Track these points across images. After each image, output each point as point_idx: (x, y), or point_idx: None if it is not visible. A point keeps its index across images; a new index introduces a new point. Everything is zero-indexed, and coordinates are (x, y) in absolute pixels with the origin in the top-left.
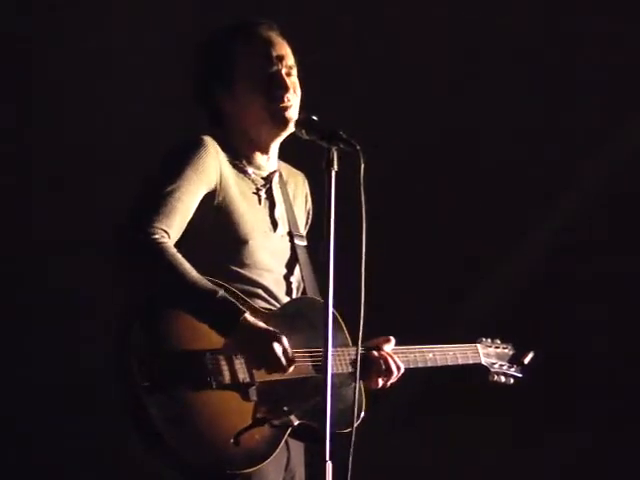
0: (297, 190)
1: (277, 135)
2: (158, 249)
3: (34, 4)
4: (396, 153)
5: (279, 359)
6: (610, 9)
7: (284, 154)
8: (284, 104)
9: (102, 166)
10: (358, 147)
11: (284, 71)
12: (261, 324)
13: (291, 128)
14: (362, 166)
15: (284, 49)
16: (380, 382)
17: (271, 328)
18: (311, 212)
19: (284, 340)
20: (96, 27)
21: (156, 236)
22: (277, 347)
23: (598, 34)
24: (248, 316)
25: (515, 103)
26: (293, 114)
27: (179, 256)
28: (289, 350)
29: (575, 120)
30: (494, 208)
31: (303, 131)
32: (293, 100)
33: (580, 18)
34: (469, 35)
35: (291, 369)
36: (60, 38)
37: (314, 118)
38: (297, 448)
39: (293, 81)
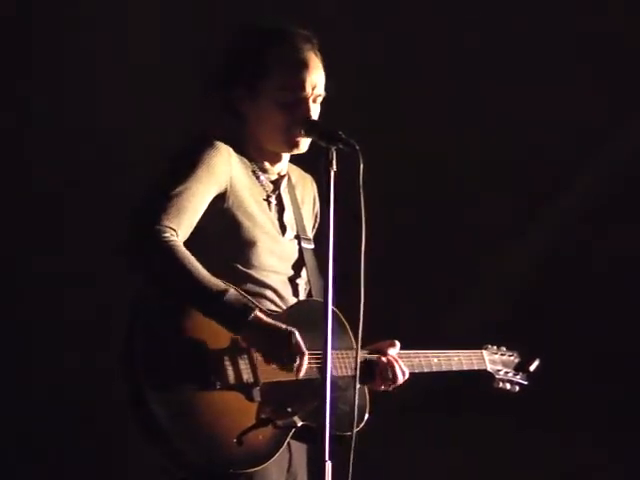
0: (305, 193)
1: (286, 152)
2: (167, 247)
3: (34, 3)
4: (395, 153)
5: (292, 356)
6: (610, 8)
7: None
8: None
9: (102, 165)
10: (357, 147)
11: (311, 98)
12: (272, 321)
13: (301, 150)
14: (361, 166)
15: (319, 74)
16: (384, 386)
17: (283, 325)
18: (319, 214)
19: (297, 335)
20: (95, 27)
21: (165, 234)
22: (292, 341)
23: (598, 34)
24: (258, 313)
25: (515, 103)
26: (305, 142)
27: (188, 254)
28: (302, 345)
29: (575, 120)
30: (494, 207)
31: (302, 131)
32: None
33: (580, 18)
34: (469, 35)
35: (304, 363)
36: (60, 37)
37: (313, 118)
38: (299, 450)
39: (316, 108)
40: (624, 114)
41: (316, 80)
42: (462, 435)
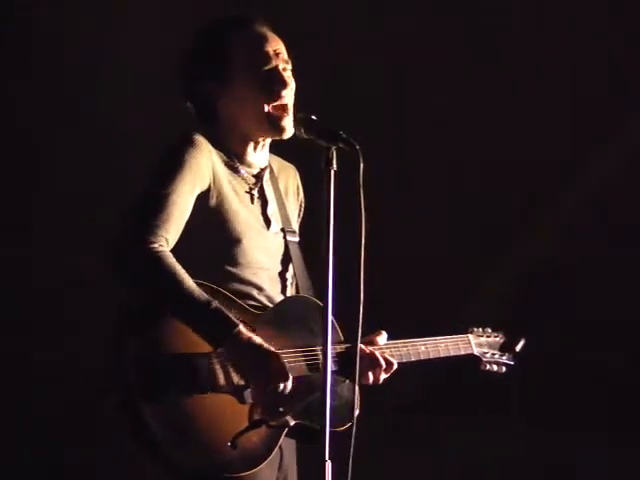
0: (288, 183)
1: (270, 136)
2: (156, 258)
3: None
4: (395, 151)
5: (273, 380)
6: (610, 8)
7: (283, 150)
8: (281, 101)
9: (100, 165)
10: (357, 147)
11: (281, 66)
12: (255, 340)
13: (287, 135)
14: (361, 165)
15: (279, 44)
16: (370, 377)
17: (265, 346)
18: (303, 204)
19: (280, 359)
20: (96, 27)
21: (154, 245)
22: (272, 367)
23: (599, 33)
24: (241, 329)
25: (515, 103)
26: (289, 122)
27: (177, 265)
28: (286, 367)
29: (574, 120)
30: (494, 207)
31: (302, 130)
32: (289, 96)
33: (580, 17)
34: (468, 34)
35: (288, 385)
36: (60, 36)
37: (313, 117)
38: (289, 447)
39: (289, 76)
40: (624, 114)
41: (277, 47)
42: (461, 435)
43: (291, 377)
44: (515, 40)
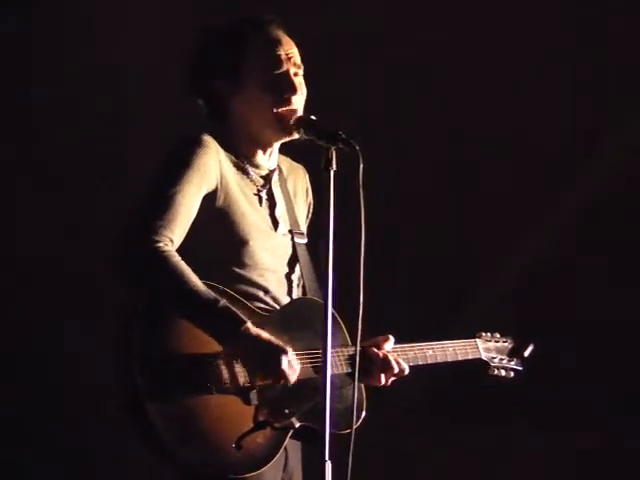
0: (297, 184)
1: (280, 138)
2: (161, 258)
3: (33, 3)
4: (395, 152)
5: (284, 373)
6: (610, 8)
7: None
8: (291, 107)
9: (101, 164)
10: (357, 147)
11: (292, 71)
12: (264, 335)
13: (295, 135)
14: (361, 166)
15: (293, 48)
16: (382, 380)
17: (274, 340)
18: (312, 205)
19: (289, 353)
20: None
21: (159, 244)
22: (283, 360)
23: (599, 33)
24: (250, 326)
25: (515, 102)
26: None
27: (182, 264)
28: (294, 362)
29: (575, 120)
30: (494, 207)
31: (302, 130)
32: (299, 102)
33: (579, 17)
34: (469, 35)
35: (294, 379)
36: (60, 35)
37: (313, 118)
38: (294, 448)
39: (300, 81)
40: (624, 114)
41: (290, 51)
42: (463, 438)
43: (299, 370)
44: (515, 41)
